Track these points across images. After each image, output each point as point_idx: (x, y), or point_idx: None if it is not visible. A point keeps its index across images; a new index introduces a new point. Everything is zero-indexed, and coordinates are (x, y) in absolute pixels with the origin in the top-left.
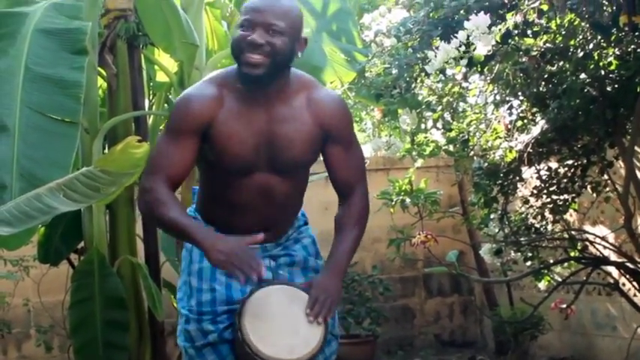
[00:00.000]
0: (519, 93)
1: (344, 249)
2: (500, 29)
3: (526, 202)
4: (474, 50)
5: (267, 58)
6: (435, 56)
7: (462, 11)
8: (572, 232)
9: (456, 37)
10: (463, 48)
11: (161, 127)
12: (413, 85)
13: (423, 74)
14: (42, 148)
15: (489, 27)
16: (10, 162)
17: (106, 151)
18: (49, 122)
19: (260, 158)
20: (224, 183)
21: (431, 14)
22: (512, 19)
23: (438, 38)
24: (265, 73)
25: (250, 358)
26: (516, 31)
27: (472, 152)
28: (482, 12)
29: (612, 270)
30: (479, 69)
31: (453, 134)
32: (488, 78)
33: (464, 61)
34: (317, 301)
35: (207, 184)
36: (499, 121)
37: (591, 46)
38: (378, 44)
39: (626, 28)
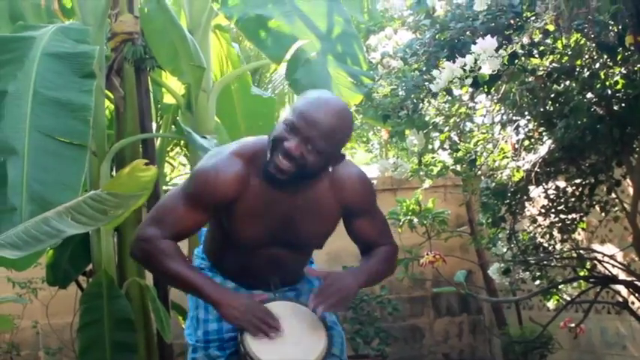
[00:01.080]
0: (526, 112)
1: (370, 264)
2: (507, 51)
3: (534, 221)
4: (478, 70)
5: (296, 169)
6: (440, 74)
7: (467, 33)
8: (581, 251)
9: (463, 59)
10: (468, 67)
11: (168, 149)
12: (420, 107)
13: (429, 95)
14: (51, 171)
15: (496, 50)
16: (19, 185)
17: (114, 173)
18: (59, 145)
19: (275, 239)
20: (236, 247)
21: (437, 36)
22: (518, 40)
23: (444, 59)
24: (289, 180)
25: None
26: (522, 52)
27: (479, 172)
28: (488, 34)
29: (621, 289)
30: (485, 89)
31: (460, 154)
32: (494, 98)
33: (469, 81)
34: (323, 292)
35: (217, 239)
36: (506, 141)
37: (597, 65)
38: (385, 66)
39: (632, 48)
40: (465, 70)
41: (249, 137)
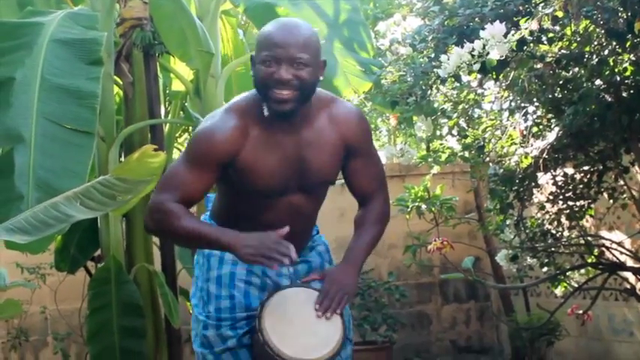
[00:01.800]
0: (534, 99)
1: (361, 243)
2: (515, 37)
3: (542, 208)
4: (487, 55)
5: (296, 91)
6: (448, 59)
7: (476, 19)
8: (589, 238)
9: (471, 45)
10: (476, 52)
11: (177, 135)
12: (428, 93)
13: (438, 81)
14: (58, 159)
15: (505, 35)
16: (26, 172)
17: (122, 159)
18: (65, 132)
19: (290, 183)
20: (250, 203)
21: (446, 22)
22: (526, 26)
23: (453, 46)
24: (295, 107)
25: (271, 359)
26: (531, 38)
27: (488, 159)
28: (497, 20)
29: (629, 275)
30: (494, 76)
31: (468, 141)
32: (503, 84)
33: (477, 66)
34: (327, 295)
35: (228, 200)
36: (514, 128)
37: (606, 52)
38: (393, 53)
39: None
40: (473, 56)
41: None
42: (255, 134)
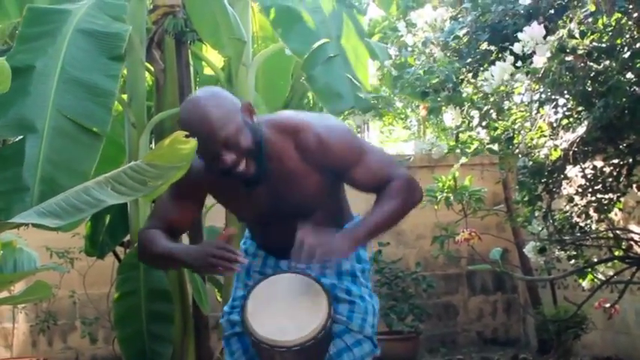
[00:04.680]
0: (565, 91)
1: (370, 217)
2: (554, 38)
3: (570, 200)
4: (530, 64)
5: (246, 159)
6: (492, 75)
7: (509, 15)
8: (617, 231)
9: (511, 49)
10: (519, 63)
11: None
12: (459, 87)
13: (469, 75)
14: (65, 154)
15: (544, 37)
16: (35, 165)
17: (153, 146)
18: (76, 129)
19: (269, 214)
20: (248, 223)
21: (479, 18)
22: (564, 24)
23: (485, 42)
24: (258, 169)
25: (250, 337)
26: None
27: (517, 150)
28: (529, 17)
29: None
30: (525, 69)
31: (497, 132)
32: (534, 77)
33: (521, 76)
34: (301, 244)
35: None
36: (544, 120)
37: (638, 45)
38: (427, 55)
39: None
40: (516, 67)
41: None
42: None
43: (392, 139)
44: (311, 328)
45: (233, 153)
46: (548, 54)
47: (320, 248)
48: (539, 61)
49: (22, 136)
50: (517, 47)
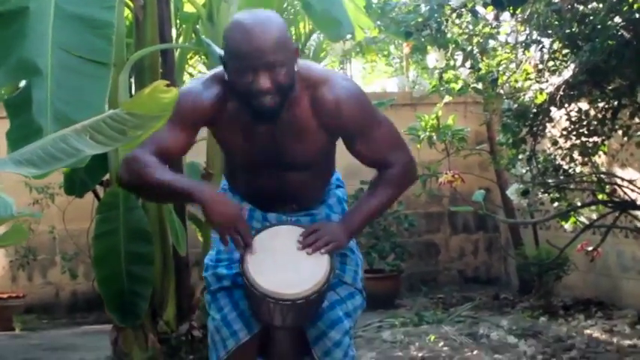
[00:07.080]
0: (550, 31)
1: (363, 207)
2: None
3: (555, 143)
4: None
5: (279, 95)
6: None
7: None
8: (601, 175)
9: None
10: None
11: (188, 57)
12: (443, 26)
13: (454, 15)
14: (74, 90)
15: None
16: (45, 105)
17: (132, 82)
18: (81, 63)
19: (266, 160)
20: (239, 169)
21: None
22: None
23: None
24: (278, 108)
25: (249, 290)
26: None
27: (501, 91)
28: None
29: None
30: (511, 10)
31: (482, 72)
32: (519, 18)
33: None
34: (313, 233)
35: (227, 162)
36: (530, 62)
37: None
38: None
39: None
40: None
41: None
42: (232, 108)
43: (374, 74)
44: (316, 280)
45: (270, 81)
46: None
47: (329, 237)
48: None
49: (27, 81)
50: None
